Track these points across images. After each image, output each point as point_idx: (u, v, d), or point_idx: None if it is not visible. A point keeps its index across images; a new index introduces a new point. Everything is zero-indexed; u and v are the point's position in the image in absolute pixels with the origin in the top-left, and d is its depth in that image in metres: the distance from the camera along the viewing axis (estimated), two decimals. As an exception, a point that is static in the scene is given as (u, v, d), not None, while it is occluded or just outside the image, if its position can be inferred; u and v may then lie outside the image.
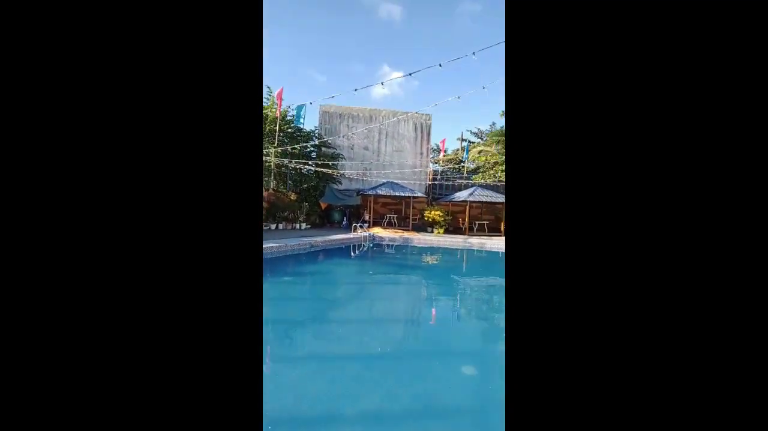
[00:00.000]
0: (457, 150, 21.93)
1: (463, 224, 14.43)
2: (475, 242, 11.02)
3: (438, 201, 15.04)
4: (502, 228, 14.51)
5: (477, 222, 15.14)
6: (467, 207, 14.00)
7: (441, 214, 12.78)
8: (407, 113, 14.66)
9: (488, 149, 17.63)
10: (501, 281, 6.17)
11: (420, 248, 10.08)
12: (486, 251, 10.12)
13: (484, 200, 13.89)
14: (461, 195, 14.02)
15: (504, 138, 16.23)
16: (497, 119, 25.95)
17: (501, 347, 3.06)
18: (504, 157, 14.03)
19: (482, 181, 15.73)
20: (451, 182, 16.83)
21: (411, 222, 13.56)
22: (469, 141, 21.29)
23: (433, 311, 4.62)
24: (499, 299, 4.88)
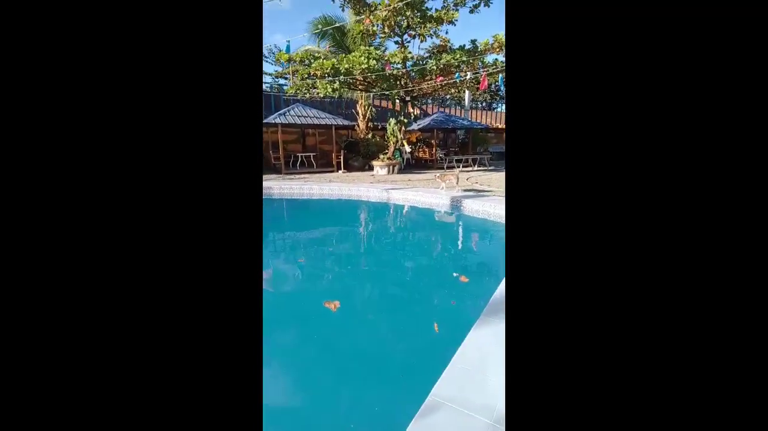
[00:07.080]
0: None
1: (276, 160, 11.52)
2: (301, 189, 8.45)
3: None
4: (334, 160, 12.17)
5: (302, 155, 12.21)
6: (278, 133, 11.38)
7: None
8: None
9: (314, 48, 13.46)
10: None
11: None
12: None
13: (304, 121, 11.15)
14: (272, 118, 11.24)
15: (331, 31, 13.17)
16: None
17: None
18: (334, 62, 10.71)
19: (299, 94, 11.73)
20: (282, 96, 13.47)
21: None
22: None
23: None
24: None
